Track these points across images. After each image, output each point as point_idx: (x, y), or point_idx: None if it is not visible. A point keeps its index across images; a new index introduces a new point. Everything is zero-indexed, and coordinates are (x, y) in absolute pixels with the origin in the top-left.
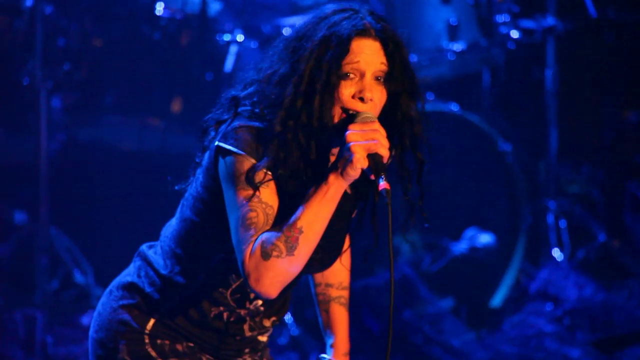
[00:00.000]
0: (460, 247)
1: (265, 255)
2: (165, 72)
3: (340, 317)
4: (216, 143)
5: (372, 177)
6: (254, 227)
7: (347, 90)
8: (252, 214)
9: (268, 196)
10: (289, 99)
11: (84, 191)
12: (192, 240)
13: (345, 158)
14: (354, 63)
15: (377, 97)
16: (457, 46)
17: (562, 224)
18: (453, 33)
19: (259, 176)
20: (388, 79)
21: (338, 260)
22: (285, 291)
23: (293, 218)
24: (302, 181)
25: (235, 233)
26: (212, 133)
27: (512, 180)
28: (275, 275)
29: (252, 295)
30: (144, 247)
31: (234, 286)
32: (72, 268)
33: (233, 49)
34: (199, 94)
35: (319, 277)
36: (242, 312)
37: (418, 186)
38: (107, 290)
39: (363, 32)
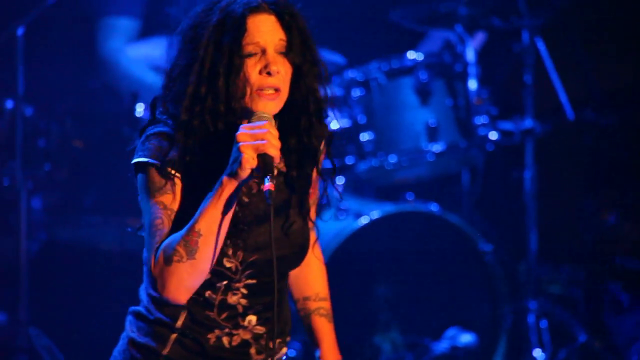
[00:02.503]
0: (442, 346)
1: (168, 260)
2: None
3: (322, 328)
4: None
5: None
6: (158, 234)
7: (252, 69)
8: (157, 221)
9: (171, 201)
10: (192, 87)
11: (64, 291)
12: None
13: (235, 158)
14: (254, 42)
15: (283, 69)
16: (437, 147)
17: (543, 324)
18: (432, 134)
19: (161, 181)
20: (289, 51)
21: (310, 271)
22: (281, 307)
23: (192, 221)
24: (220, 166)
25: (145, 243)
26: None
27: (493, 280)
28: (179, 280)
29: (240, 309)
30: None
31: (216, 304)
32: None
33: None
34: None
35: (296, 292)
36: (242, 333)
37: (329, 160)
38: None
39: (256, 9)
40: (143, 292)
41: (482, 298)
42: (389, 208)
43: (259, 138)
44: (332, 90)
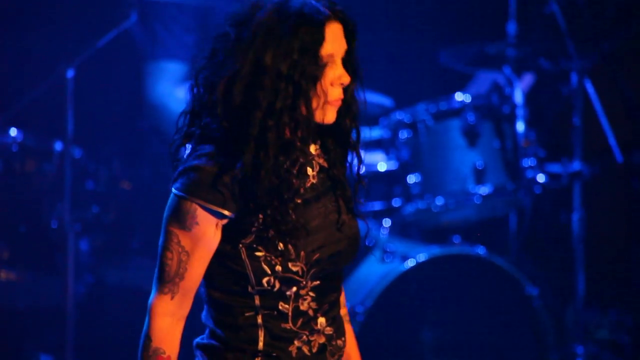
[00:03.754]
0: None
1: (145, 346)
2: None
3: (350, 333)
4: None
5: None
6: (167, 270)
7: (325, 80)
8: (167, 254)
9: (189, 242)
10: (265, 99)
11: (111, 334)
12: (224, 304)
13: None
14: (329, 52)
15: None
16: (484, 189)
17: None
18: (479, 176)
19: (193, 220)
20: (348, 61)
21: None
22: (339, 305)
23: None
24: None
25: (156, 267)
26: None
27: (539, 325)
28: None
29: (311, 313)
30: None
31: (290, 314)
32: None
33: None
34: None
35: None
36: (317, 337)
37: (356, 156)
38: None
39: (332, 17)
40: (208, 319)
41: (529, 343)
42: (436, 251)
43: None
44: (380, 132)
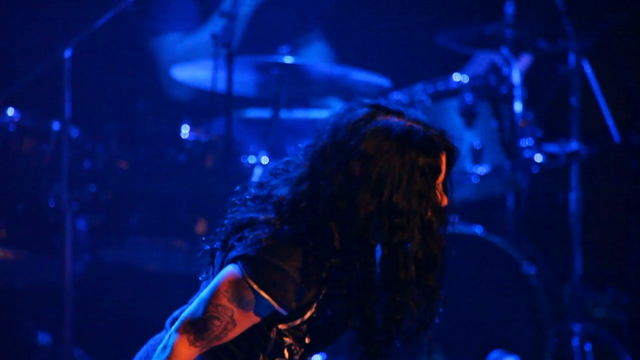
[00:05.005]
0: None
1: None
2: (190, 193)
3: None
4: (244, 274)
5: None
6: (209, 332)
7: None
8: (216, 322)
9: (241, 319)
10: (398, 237)
11: (109, 312)
12: (224, 351)
13: None
14: (441, 179)
15: None
16: (481, 169)
17: (588, 347)
18: (477, 156)
19: (255, 306)
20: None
21: None
22: None
23: None
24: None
25: (192, 314)
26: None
27: (537, 303)
28: None
29: None
30: None
31: None
32: None
33: (257, 171)
34: (224, 216)
35: None
36: None
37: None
38: None
39: (444, 149)
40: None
41: (526, 321)
42: None
43: None
44: None
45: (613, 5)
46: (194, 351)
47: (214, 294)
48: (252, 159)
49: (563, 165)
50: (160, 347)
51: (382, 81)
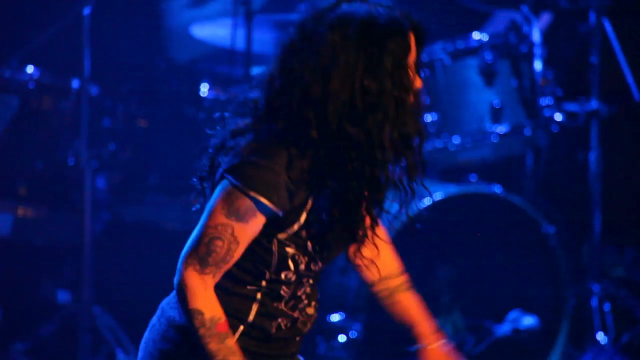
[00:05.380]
0: (504, 329)
1: (193, 315)
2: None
3: (409, 302)
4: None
5: None
6: (214, 255)
7: (415, 89)
8: (218, 242)
9: (242, 233)
10: (376, 104)
11: (128, 271)
12: (229, 273)
13: None
14: (412, 59)
15: None
16: (501, 128)
17: (606, 307)
18: (497, 115)
19: (250, 214)
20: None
21: (382, 253)
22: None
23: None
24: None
25: (192, 244)
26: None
27: (556, 263)
28: (184, 307)
29: (303, 298)
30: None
31: (286, 297)
32: (114, 347)
33: None
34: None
35: (370, 277)
36: (296, 313)
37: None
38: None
39: (411, 28)
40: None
41: (545, 281)
42: (452, 189)
43: None
44: None
45: None
46: (205, 280)
47: (211, 215)
48: None
49: (583, 124)
50: (173, 292)
51: None
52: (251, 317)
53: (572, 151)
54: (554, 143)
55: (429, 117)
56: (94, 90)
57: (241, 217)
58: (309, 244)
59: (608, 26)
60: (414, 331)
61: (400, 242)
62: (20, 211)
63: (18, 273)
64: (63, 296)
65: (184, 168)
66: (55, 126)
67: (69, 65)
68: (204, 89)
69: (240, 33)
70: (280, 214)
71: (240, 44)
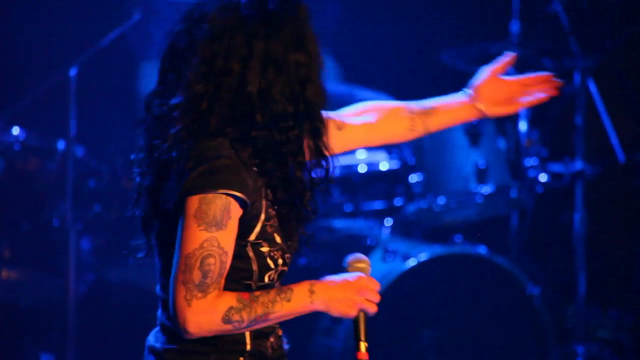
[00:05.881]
0: None
1: (227, 321)
2: None
3: (434, 103)
4: (188, 189)
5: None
6: (210, 275)
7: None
8: (210, 260)
9: (227, 241)
10: (294, 94)
11: (112, 333)
12: None
13: (342, 305)
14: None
15: None
16: (486, 189)
17: None
18: (481, 176)
19: (226, 216)
20: None
21: (388, 119)
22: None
23: (269, 304)
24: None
25: (184, 271)
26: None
27: (541, 324)
28: (217, 330)
29: None
30: (153, 343)
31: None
32: None
33: None
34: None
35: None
36: (279, 330)
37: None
38: None
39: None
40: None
41: (530, 342)
42: (437, 250)
43: (371, 301)
44: None
45: (618, 24)
46: (210, 299)
47: (190, 238)
48: None
49: (568, 184)
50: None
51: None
52: (249, 345)
53: (557, 212)
54: (539, 204)
55: (414, 178)
56: (79, 151)
57: (220, 224)
58: (276, 236)
59: (593, 87)
60: (463, 100)
61: (386, 302)
62: (5, 273)
63: (1, 335)
64: (46, 358)
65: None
66: (40, 187)
67: (55, 126)
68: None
69: None
70: (249, 203)
71: None
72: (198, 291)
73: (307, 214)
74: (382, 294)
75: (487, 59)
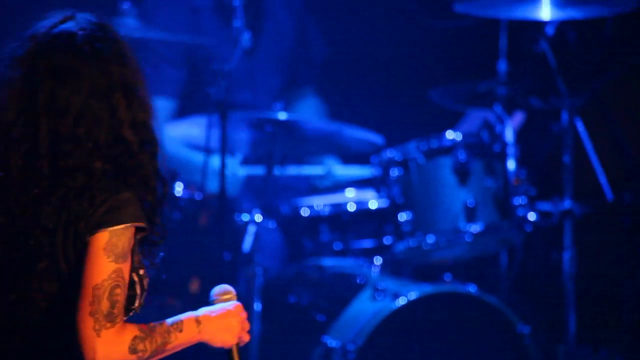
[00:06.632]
0: None
1: (133, 350)
2: (183, 251)
3: None
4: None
5: None
6: (117, 305)
7: None
8: (117, 290)
9: (128, 271)
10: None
11: None
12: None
13: (226, 333)
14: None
15: None
16: (475, 228)
17: None
18: (470, 215)
19: (129, 247)
20: None
21: None
22: None
23: (165, 334)
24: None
25: (92, 302)
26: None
27: None
28: None
29: None
30: None
31: None
32: None
33: (251, 229)
34: (217, 274)
35: None
36: None
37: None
38: None
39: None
40: None
41: None
42: (427, 289)
43: (246, 330)
44: (371, 170)
45: (605, 63)
46: (119, 328)
47: (99, 270)
48: (245, 217)
49: (556, 223)
50: None
51: (376, 138)
52: None
53: (546, 251)
54: (527, 242)
55: (403, 216)
56: None
57: (125, 257)
58: (140, 255)
59: (580, 126)
60: None
61: (376, 341)
62: None
63: None
64: None
65: (160, 268)
66: None
67: None
68: (179, 188)
69: (214, 132)
70: (145, 225)
71: (214, 142)
72: (107, 321)
73: (156, 238)
74: (372, 332)
75: (475, 97)
